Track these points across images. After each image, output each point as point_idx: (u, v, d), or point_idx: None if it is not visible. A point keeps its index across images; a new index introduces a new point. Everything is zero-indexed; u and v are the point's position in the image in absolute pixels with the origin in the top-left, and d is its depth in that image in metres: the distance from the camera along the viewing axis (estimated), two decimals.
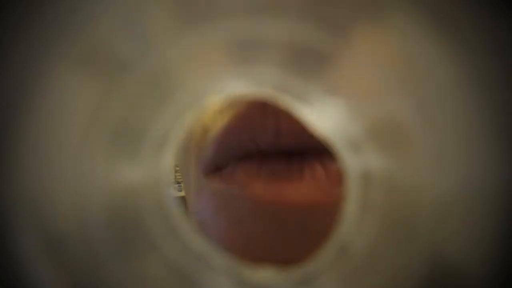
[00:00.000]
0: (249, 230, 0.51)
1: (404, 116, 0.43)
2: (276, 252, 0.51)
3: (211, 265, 0.47)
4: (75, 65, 0.43)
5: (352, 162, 0.45)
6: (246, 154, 0.51)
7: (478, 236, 0.45)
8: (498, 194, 0.44)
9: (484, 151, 0.44)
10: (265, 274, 0.46)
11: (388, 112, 0.43)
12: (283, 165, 0.50)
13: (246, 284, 0.47)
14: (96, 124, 0.44)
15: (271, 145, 0.50)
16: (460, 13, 0.42)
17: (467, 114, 0.44)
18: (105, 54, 0.43)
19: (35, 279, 0.46)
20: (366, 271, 0.44)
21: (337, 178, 0.50)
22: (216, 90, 0.46)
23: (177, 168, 0.68)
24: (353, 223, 0.45)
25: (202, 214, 0.56)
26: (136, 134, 0.46)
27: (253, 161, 0.51)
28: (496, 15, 0.42)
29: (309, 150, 0.50)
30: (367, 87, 0.43)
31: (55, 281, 0.45)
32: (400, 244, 0.44)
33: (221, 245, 0.53)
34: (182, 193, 0.70)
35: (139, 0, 0.44)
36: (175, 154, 0.47)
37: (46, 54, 0.43)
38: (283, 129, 0.50)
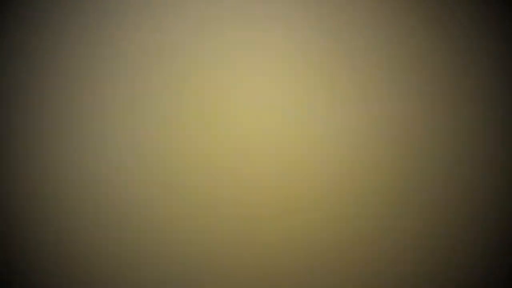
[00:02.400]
0: None
1: (405, 114, 0.43)
2: None
3: None
4: (90, 51, 0.44)
5: (353, 160, 0.45)
6: None
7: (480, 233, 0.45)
8: (497, 192, 0.44)
9: (484, 149, 0.44)
10: None
11: (389, 111, 0.43)
12: None
13: None
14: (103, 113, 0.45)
15: None
16: (462, 13, 0.42)
17: (467, 113, 0.44)
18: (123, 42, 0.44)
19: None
20: None
21: None
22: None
23: None
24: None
25: None
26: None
27: None
28: (498, 16, 0.42)
29: None
30: (371, 88, 0.43)
31: None
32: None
33: None
34: None
35: None
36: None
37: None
38: None
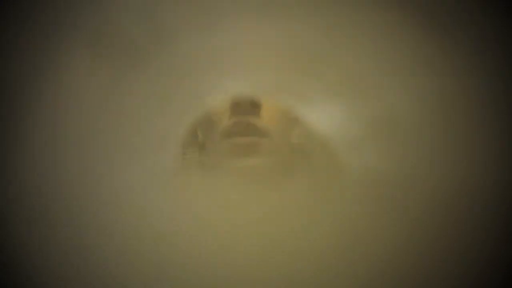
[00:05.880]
0: None
1: (402, 112, 0.44)
2: None
3: None
4: (88, 51, 0.44)
5: (351, 159, 0.46)
6: None
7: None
8: (491, 189, 0.45)
9: (480, 147, 0.45)
10: None
11: (386, 109, 0.44)
12: None
13: None
14: (102, 117, 0.45)
15: None
16: (455, 9, 0.43)
17: (464, 111, 0.45)
18: (122, 41, 0.44)
19: None
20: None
21: None
22: (218, 90, 0.47)
23: None
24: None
25: None
26: (139, 130, 0.46)
27: None
28: (490, 13, 0.44)
29: None
30: (367, 85, 0.44)
31: None
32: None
33: None
34: None
35: None
36: (176, 150, 0.48)
37: (59, 41, 0.44)
38: None
